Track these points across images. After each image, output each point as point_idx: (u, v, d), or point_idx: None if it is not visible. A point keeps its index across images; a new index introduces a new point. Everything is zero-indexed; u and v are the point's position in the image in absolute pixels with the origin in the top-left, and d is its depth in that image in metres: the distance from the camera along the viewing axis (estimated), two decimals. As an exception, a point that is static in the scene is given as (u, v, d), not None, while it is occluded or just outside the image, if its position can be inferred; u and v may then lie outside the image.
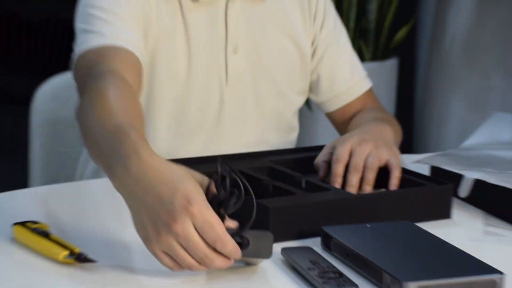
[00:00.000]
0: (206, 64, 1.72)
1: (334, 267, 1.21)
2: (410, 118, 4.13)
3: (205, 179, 1.21)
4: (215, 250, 1.15)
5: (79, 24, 1.62)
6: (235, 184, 1.18)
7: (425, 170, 1.67)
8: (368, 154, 1.54)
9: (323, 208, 1.38)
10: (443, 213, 1.49)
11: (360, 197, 1.47)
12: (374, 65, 3.63)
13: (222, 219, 1.17)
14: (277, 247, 1.29)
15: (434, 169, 1.65)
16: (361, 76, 1.89)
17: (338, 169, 1.54)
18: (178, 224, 1.13)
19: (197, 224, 1.14)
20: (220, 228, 1.15)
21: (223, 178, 1.19)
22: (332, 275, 1.19)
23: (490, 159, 1.64)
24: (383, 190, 1.53)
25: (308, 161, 1.64)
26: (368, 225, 1.35)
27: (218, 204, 1.18)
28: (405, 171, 1.56)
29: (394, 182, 1.52)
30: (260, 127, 1.81)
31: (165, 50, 1.69)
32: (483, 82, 3.86)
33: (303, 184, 1.50)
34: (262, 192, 1.48)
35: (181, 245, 1.14)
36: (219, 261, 1.16)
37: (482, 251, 1.32)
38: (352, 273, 1.24)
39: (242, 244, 1.17)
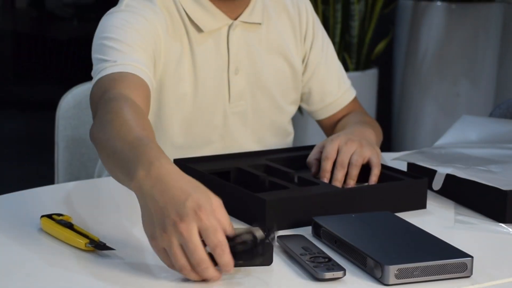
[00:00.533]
0: (212, 85, 1.71)
1: (323, 252, 1.20)
2: (389, 120, 4.12)
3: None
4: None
5: (95, 55, 1.59)
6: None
7: (402, 166, 1.66)
8: (353, 152, 1.54)
9: (313, 200, 1.37)
10: (419, 204, 1.48)
11: (346, 191, 1.46)
12: (357, 74, 3.63)
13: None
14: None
15: (411, 165, 1.64)
16: (347, 86, 1.88)
17: (327, 165, 1.53)
18: (184, 224, 1.08)
19: (202, 227, 1.08)
20: (222, 236, 1.09)
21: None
22: (322, 259, 1.18)
23: (459, 156, 1.64)
24: (366, 184, 1.52)
25: (300, 159, 1.64)
26: (353, 215, 1.35)
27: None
28: (385, 167, 1.56)
29: (373, 179, 1.53)
30: (260, 135, 1.80)
31: (173, 74, 1.67)
32: (452, 88, 3.87)
33: (296, 180, 1.49)
34: (259, 187, 1.47)
35: (181, 246, 1.09)
36: (212, 271, 1.09)
37: (453, 237, 1.31)
38: (340, 258, 1.23)
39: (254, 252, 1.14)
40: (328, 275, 1.14)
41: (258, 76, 1.76)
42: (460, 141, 1.76)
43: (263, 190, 1.44)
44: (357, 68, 3.69)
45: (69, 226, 1.27)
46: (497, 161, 1.59)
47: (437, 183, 1.55)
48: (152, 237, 1.12)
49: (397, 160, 1.66)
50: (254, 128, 1.79)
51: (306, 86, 1.85)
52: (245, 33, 1.73)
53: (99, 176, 1.85)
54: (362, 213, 1.37)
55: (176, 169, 1.15)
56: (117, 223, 1.37)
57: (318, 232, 1.31)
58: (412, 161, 1.62)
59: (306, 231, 1.32)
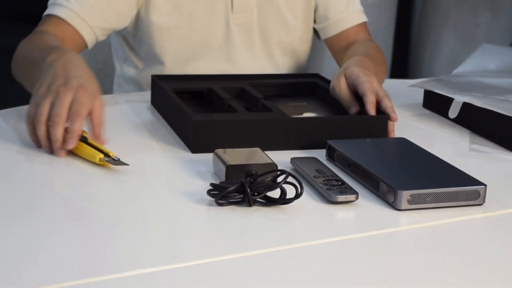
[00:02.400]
0: None
1: (337, 176, 1.20)
2: (406, 48, 4.09)
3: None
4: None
5: None
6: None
7: (419, 93, 1.65)
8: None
9: (239, 125, 1.32)
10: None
11: (291, 120, 1.37)
12: (376, 0, 3.58)
13: None
14: (287, 156, 1.29)
15: (427, 93, 1.63)
16: (356, 9, 1.83)
17: (373, 98, 1.43)
18: (64, 89, 1.25)
19: (77, 99, 1.24)
20: (84, 112, 1.24)
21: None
22: (335, 182, 1.18)
23: (477, 85, 1.62)
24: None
25: (282, 86, 1.60)
26: (367, 140, 1.34)
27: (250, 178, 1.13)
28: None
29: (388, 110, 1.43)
30: (267, 50, 1.77)
31: None
32: (472, 19, 3.82)
33: (259, 106, 1.46)
34: (219, 108, 1.46)
35: (50, 105, 1.24)
36: (60, 130, 1.23)
37: (468, 165, 1.31)
38: (353, 181, 1.23)
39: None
40: (341, 198, 1.14)
41: None
42: (479, 70, 1.74)
43: (221, 111, 1.44)
44: (377, -6, 3.65)
45: (84, 140, 1.27)
46: (515, 91, 1.58)
47: (454, 111, 1.54)
48: (34, 94, 1.28)
49: (413, 87, 1.65)
50: (261, 44, 1.76)
51: (314, 2, 1.81)
52: None
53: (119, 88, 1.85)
54: (376, 138, 1.37)
55: (83, 64, 1.33)
56: (132, 140, 1.38)
57: (332, 155, 1.30)
58: (429, 88, 1.61)
59: (320, 154, 1.32)
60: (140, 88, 1.77)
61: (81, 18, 1.59)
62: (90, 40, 1.61)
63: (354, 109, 1.45)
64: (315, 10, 1.82)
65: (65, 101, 1.24)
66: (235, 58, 1.74)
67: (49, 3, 1.62)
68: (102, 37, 1.64)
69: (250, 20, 1.73)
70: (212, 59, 1.73)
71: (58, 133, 1.24)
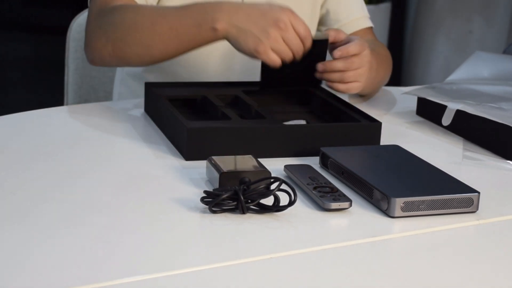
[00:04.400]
0: None
1: (330, 183, 1.20)
2: (400, 55, 4.10)
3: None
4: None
5: None
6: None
7: (413, 101, 1.65)
8: (357, 67, 1.52)
9: (233, 133, 1.33)
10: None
11: (282, 127, 1.38)
12: (370, 7, 3.56)
13: None
14: (280, 164, 1.29)
15: (421, 100, 1.63)
16: (365, 14, 1.85)
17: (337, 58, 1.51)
18: (281, 23, 1.38)
19: (293, 23, 1.39)
20: (305, 26, 1.41)
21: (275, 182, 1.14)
22: (328, 190, 1.18)
23: (470, 93, 1.63)
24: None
25: (276, 94, 1.59)
26: (361, 147, 1.34)
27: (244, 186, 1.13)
28: (345, 104, 1.51)
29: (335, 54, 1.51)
30: None
31: None
32: (465, 25, 3.83)
33: (253, 113, 1.46)
34: (213, 116, 1.46)
35: (283, 40, 1.38)
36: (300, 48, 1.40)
37: (461, 173, 1.31)
38: (346, 189, 1.23)
39: None
40: (334, 205, 1.14)
41: None
42: (472, 77, 1.75)
43: (214, 119, 1.44)
44: (371, 1, 3.66)
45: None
46: (508, 98, 1.58)
47: (447, 119, 1.54)
48: (258, 45, 1.39)
49: (407, 95, 1.65)
50: None
51: (324, 6, 1.81)
52: None
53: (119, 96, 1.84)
54: (370, 145, 1.37)
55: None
56: (126, 147, 1.38)
57: (325, 162, 1.30)
58: (422, 95, 1.61)
59: (313, 162, 1.32)
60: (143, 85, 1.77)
61: None
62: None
63: (332, 34, 1.52)
64: (326, 15, 1.82)
65: (295, 25, 1.40)
66: (236, 67, 1.74)
67: None
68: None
69: None
70: (213, 67, 1.72)
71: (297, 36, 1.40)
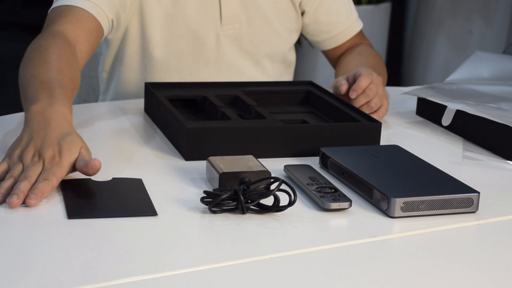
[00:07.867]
0: (197, 5, 1.68)
1: (330, 183, 1.21)
2: (400, 55, 4.10)
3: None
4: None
5: None
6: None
7: (412, 101, 1.65)
8: (375, 94, 1.57)
9: (233, 133, 1.33)
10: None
11: (283, 127, 1.38)
12: (370, 7, 3.59)
13: None
14: (280, 164, 1.29)
15: (421, 100, 1.63)
16: (354, 18, 1.85)
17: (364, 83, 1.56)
18: (36, 162, 1.16)
19: (46, 166, 1.15)
20: (55, 180, 1.14)
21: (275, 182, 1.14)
22: (328, 190, 1.18)
23: (470, 93, 1.63)
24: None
25: (275, 94, 1.60)
26: (361, 147, 1.34)
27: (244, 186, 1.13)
28: (344, 104, 1.52)
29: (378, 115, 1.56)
30: (257, 60, 1.78)
31: None
32: (465, 26, 3.83)
33: (252, 113, 1.46)
34: (213, 116, 1.46)
35: (27, 166, 1.15)
36: (26, 185, 1.12)
37: (461, 173, 1.31)
38: (346, 189, 1.23)
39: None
40: (334, 205, 1.14)
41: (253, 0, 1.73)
42: (472, 78, 1.75)
43: (214, 119, 1.44)
44: (370, 1, 3.66)
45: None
46: (508, 98, 1.58)
47: (447, 119, 1.55)
48: (11, 148, 1.19)
49: (407, 95, 1.65)
50: (251, 53, 1.77)
51: (312, 16, 1.81)
52: None
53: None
54: (370, 145, 1.37)
55: (68, 115, 1.25)
56: (126, 148, 1.38)
57: (325, 163, 1.31)
58: (422, 96, 1.61)
59: (313, 162, 1.32)
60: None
61: (93, 4, 1.55)
62: (105, 25, 1.58)
63: (343, 87, 1.56)
64: (316, 25, 1.82)
65: (36, 172, 1.15)
66: (226, 69, 1.74)
67: None
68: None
69: (239, 31, 1.73)
70: (203, 71, 1.73)
71: (25, 187, 1.13)
